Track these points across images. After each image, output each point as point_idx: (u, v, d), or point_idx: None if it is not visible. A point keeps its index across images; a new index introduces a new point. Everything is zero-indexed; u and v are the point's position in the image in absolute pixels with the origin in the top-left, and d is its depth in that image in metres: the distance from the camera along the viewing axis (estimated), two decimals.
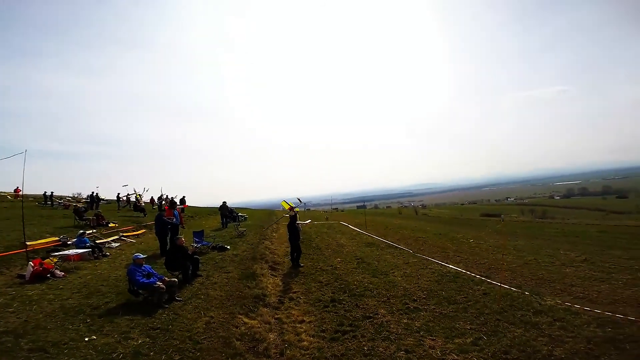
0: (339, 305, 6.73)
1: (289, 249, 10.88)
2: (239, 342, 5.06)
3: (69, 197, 34.25)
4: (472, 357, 4.58)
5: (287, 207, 14.29)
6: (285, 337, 5.44)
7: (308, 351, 5.02)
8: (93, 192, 26.28)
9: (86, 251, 10.24)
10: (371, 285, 7.86)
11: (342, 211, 54.02)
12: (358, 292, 7.46)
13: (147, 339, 4.94)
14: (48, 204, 25.75)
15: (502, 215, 18.89)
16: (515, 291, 6.88)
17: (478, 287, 7.32)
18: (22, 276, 7.82)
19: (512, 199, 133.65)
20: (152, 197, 30.32)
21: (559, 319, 5.39)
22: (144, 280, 6.39)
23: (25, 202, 26.66)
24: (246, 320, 5.89)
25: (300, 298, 7.37)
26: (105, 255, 10.62)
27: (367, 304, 6.69)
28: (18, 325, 5.18)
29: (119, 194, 27.41)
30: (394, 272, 8.92)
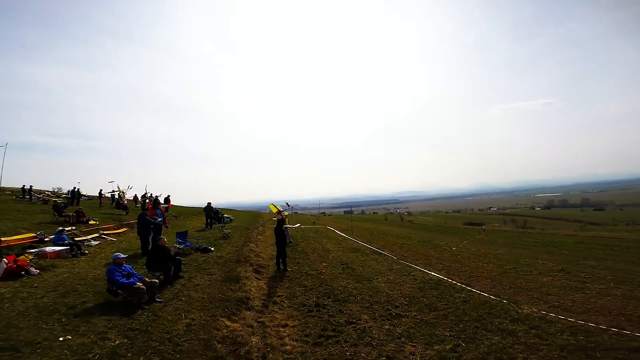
0: (323, 310, 6.74)
1: (274, 253, 10.84)
2: (220, 345, 5.00)
3: (48, 191, 33.15)
4: None
5: (275, 210, 14.27)
6: (268, 341, 5.40)
7: (291, 355, 5.00)
8: (74, 188, 25.55)
9: (64, 249, 9.90)
10: (355, 291, 7.91)
11: (330, 216, 54.22)
12: (342, 297, 7.49)
13: (125, 340, 4.83)
14: (26, 198, 24.80)
15: (483, 226, 19.38)
16: (493, 299, 7.08)
17: (458, 294, 7.48)
18: None
19: (495, 209, 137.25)
20: (135, 195, 29.74)
21: (535, 327, 5.57)
22: (124, 280, 6.24)
23: (1, 196, 25.70)
24: (228, 323, 5.81)
25: (285, 302, 7.34)
26: (83, 254, 10.31)
27: (350, 310, 6.72)
28: None
29: (101, 190, 26.76)
30: (377, 278, 9.01)
